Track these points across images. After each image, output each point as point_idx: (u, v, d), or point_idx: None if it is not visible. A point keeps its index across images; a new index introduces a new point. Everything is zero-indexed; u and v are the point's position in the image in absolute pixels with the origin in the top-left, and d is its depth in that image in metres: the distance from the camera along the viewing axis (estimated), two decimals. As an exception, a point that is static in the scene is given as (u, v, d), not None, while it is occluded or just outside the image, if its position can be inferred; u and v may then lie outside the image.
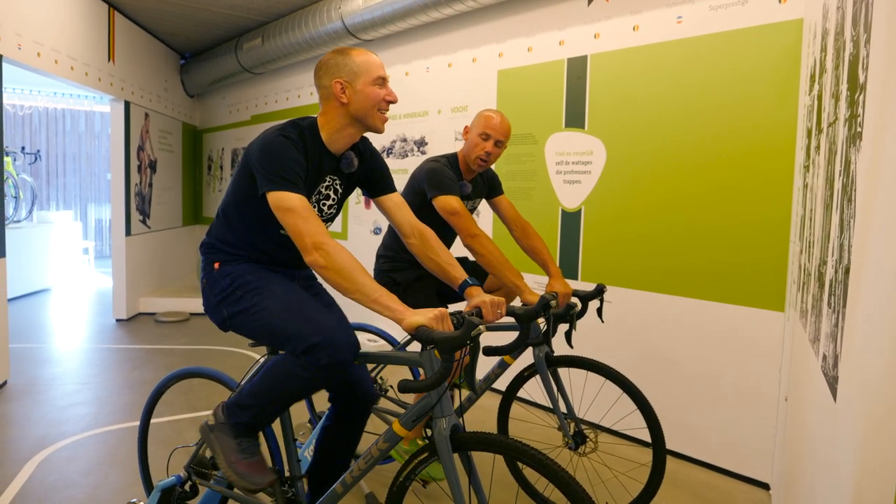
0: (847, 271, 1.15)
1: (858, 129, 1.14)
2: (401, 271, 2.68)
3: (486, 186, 2.88)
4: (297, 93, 6.41)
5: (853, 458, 0.97)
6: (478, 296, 1.84)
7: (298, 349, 1.66)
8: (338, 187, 1.99)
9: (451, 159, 2.71)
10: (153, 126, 6.92)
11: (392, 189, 2.05)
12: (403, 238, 2.02)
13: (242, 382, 2.02)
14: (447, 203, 2.49)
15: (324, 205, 1.96)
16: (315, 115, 1.91)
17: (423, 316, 1.50)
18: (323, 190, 1.94)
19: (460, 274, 1.95)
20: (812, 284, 1.77)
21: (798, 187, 2.65)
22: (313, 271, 1.95)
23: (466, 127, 2.69)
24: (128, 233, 6.32)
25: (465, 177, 2.73)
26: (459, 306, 2.75)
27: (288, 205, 1.65)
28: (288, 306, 1.77)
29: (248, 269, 1.90)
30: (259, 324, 1.79)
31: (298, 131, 1.82)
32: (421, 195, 2.59)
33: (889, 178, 0.87)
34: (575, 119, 3.72)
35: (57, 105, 10.99)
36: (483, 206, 4.19)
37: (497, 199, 2.86)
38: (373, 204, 2.10)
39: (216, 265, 1.93)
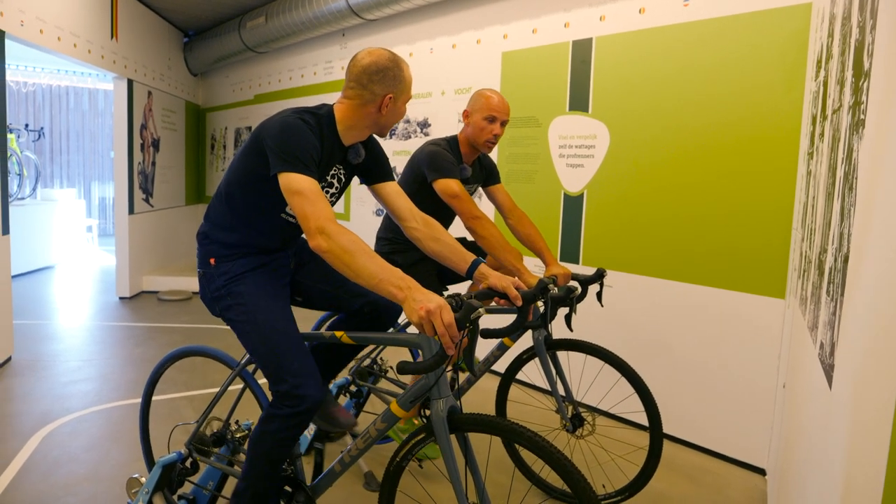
0: (846, 260, 1.14)
1: (861, 117, 1.13)
2: (401, 253, 2.69)
3: (484, 174, 2.87)
4: (301, 72, 6.37)
5: (844, 444, 0.97)
6: (491, 276, 1.83)
7: (271, 388, 1.78)
8: (342, 176, 1.99)
9: (452, 142, 2.70)
10: (156, 104, 6.89)
11: (390, 177, 2.04)
12: (403, 223, 2.00)
13: (243, 361, 2.04)
14: (448, 186, 2.49)
15: (326, 192, 1.96)
16: (331, 104, 1.89)
17: (423, 305, 1.48)
18: (329, 178, 1.94)
19: (467, 255, 1.93)
20: (812, 272, 1.76)
21: (802, 174, 2.64)
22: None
23: (466, 111, 2.67)
24: (131, 211, 6.33)
25: (465, 160, 2.72)
26: (458, 288, 2.75)
27: (298, 187, 1.64)
28: (267, 341, 1.81)
29: (241, 270, 1.91)
30: (243, 339, 1.87)
31: (316, 119, 1.81)
32: (420, 178, 2.58)
33: (890, 167, 0.86)
34: (579, 102, 3.70)
35: (60, 82, 10.96)
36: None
37: (494, 188, 2.85)
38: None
39: (212, 261, 1.94)
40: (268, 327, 1.82)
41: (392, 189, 2.02)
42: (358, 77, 1.83)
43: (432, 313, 1.41)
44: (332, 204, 2.04)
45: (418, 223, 1.98)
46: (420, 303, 1.42)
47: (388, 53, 1.85)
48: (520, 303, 1.79)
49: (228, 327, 1.93)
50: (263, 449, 1.80)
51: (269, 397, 1.85)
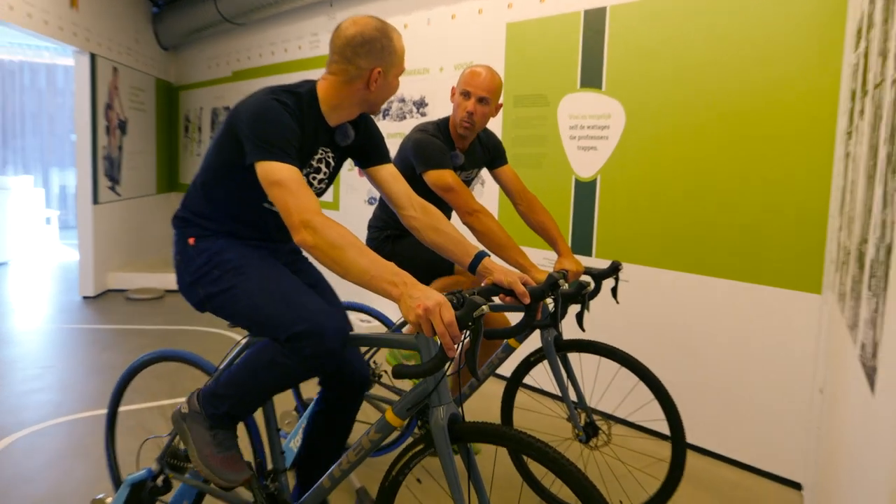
0: (889, 251, 1.14)
1: (908, 90, 1.12)
2: (396, 239, 2.70)
3: (488, 155, 2.86)
4: (284, 46, 6.35)
5: (890, 455, 0.97)
6: (496, 270, 1.82)
7: (281, 337, 1.68)
8: (330, 160, 1.98)
9: (442, 126, 2.69)
10: (123, 82, 6.87)
11: (387, 159, 2.03)
12: (400, 211, 2.00)
13: (220, 367, 2.03)
14: (440, 178, 2.48)
15: (313, 179, 1.95)
16: (314, 81, 1.88)
17: (421, 303, 1.48)
18: (314, 163, 1.93)
19: (470, 248, 1.92)
20: (851, 265, 1.76)
21: (839, 156, 2.63)
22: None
23: (453, 88, 2.66)
24: (95, 201, 6.31)
25: (457, 145, 2.71)
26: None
27: (278, 177, 1.63)
28: (270, 289, 1.77)
29: (226, 245, 1.90)
30: (238, 307, 1.81)
31: (295, 98, 1.80)
32: (412, 167, 2.58)
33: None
34: (591, 78, 3.69)
35: (13, 57, 10.91)
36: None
37: (500, 170, 2.84)
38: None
39: (191, 240, 1.92)
40: (269, 276, 1.81)
41: (388, 172, 2.02)
42: (342, 50, 1.82)
43: (431, 311, 1.40)
44: (324, 191, 2.03)
45: (417, 211, 1.97)
46: (417, 300, 1.42)
47: (376, 22, 1.83)
48: (527, 300, 1.78)
49: (205, 329, 1.92)
50: (261, 374, 1.75)
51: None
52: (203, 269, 1.88)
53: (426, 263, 2.63)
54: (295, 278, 1.85)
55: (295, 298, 1.74)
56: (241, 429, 1.94)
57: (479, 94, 2.59)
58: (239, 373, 1.79)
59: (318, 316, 1.68)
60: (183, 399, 1.96)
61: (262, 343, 1.78)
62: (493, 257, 1.98)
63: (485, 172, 3.36)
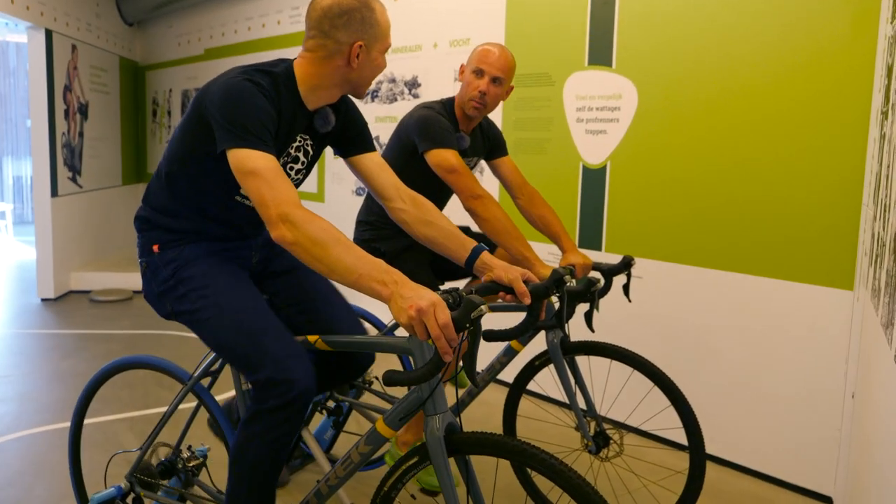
0: (926, 240, 1.15)
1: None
2: (386, 240, 2.69)
3: (488, 144, 2.87)
4: (262, 21, 6.33)
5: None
6: (496, 266, 1.81)
7: (249, 379, 1.80)
8: (308, 148, 1.98)
9: (448, 105, 2.70)
10: (83, 61, 6.84)
11: (371, 147, 2.03)
12: (387, 203, 2.00)
13: (196, 374, 2.05)
14: (443, 158, 2.49)
15: (291, 168, 1.96)
16: (290, 60, 1.88)
17: (413, 303, 1.48)
18: (292, 151, 1.93)
19: (467, 242, 1.92)
20: (887, 257, 1.77)
21: (874, 138, 2.64)
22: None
23: (462, 66, 2.67)
24: (54, 193, 6.29)
25: (462, 127, 2.72)
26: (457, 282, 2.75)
27: (252, 166, 1.62)
28: (236, 324, 1.82)
29: (192, 255, 1.92)
30: (206, 333, 1.87)
31: (271, 79, 1.79)
32: (410, 148, 2.58)
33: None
34: (600, 55, 3.69)
35: (-38, 35, 10.86)
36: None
37: (499, 161, 2.86)
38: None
39: (155, 248, 1.94)
40: (234, 307, 1.83)
41: (373, 162, 2.02)
42: (318, 23, 1.81)
43: (424, 312, 1.40)
44: (301, 182, 2.03)
45: (406, 203, 1.97)
46: (409, 300, 1.42)
47: None
48: (528, 300, 1.78)
49: (179, 333, 1.93)
50: (251, 459, 1.79)
51: (247, 402, 1.86)
52: (169, 282, 1.91)
53: (430, 265, 2.66)
54: (263, 306, 1.88)
55: (262, 339, 1.78)
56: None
57: (494, 73, 2.60)
58: (232, 482, 1.84)
59: (284, 360, 1.75)
60: (157, 409, 1.98)
61: (233, 444, 1.84)
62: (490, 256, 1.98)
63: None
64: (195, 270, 1.88)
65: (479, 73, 2.61)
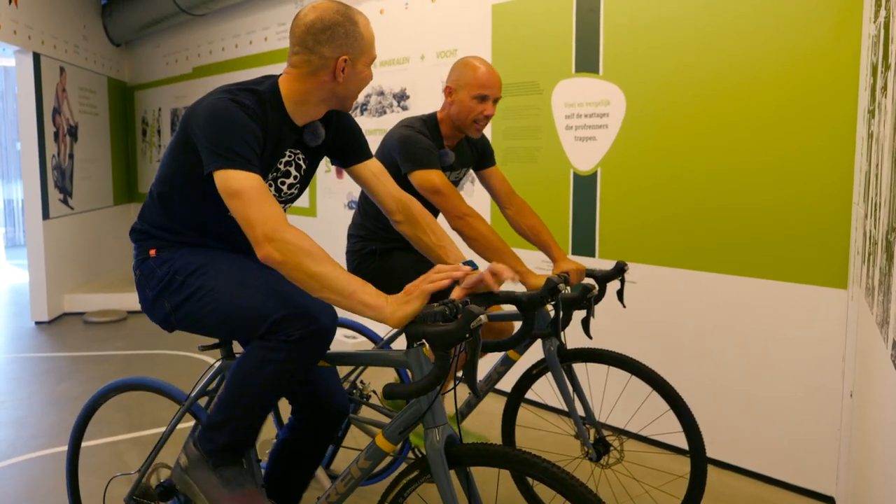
0: (920, 237, 1.15)
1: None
2: (378, 241, 2.71)
3: (476, 154, 2.87)
4: (249, 38, 6.34)
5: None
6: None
7: (261, 329, 1.68)
8: (301, 162, 1.97)
9: (430, 122, 2.69)
10: (71, 83, 6.84)
11: (368, 155, 2.04)
12: (389, 216, 2.03)
13: (192, 395, 2.03)
14: (426, 179, 2.49)
15: (282, 184, 1.95)
16: (276, 76, 1.87)
17: (410, 305, 1.49)
18: (282, 167, 1.92)
19: (455, 256, 1.94)
20: (879, 256, 1.77)
21: (862, 137, 2.65)
22: None
23: (448, 86, 2.66)
24: (45, 216, 6.27)
25: (447, 143, 2.72)
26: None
27: (236, 186, 1.61)
28: (244, 280, 1.78)
29: (190, 250, 1.90)
30: (208, 310, 1.79)
31: (256, 98, 1.79)
32: (394, 168, 2.58)
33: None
34: (587, 62, 3.70)
35: (-51, 60, 10.84)
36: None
37: (488, 171, 2.86)
38: (346, 173, 2.09)
39: (152, 252, 1.92)
40: (236, 269, 1.81)
41: (372, 171, 2.03)
42: (302, 39, 1.81)
43: (416, 285, 1.50)
44: (296, 196, 2.03)
45: (403, 215, 2.01)
46: (401, 297, 1.49)
47: (337, 6, 1.82)
48: (496, 285, 1.71)
49: (175, 352, 1.92)
50: (258, 381, 1.74)
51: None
52: (165, 279, 1.86)
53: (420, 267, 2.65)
54: (275, 272, 1.80)
55: (273, 286, 1.73)
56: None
57: (496, 95, 2.63)
58: (227, 393, 1.78)
59: (303, 299, 1.69)
60: (154, 430, 1.96)
61: (244, 352, 1.77)
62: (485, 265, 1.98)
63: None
64: (192, 257, 1.86)
65: (481, 97, 2.60)
